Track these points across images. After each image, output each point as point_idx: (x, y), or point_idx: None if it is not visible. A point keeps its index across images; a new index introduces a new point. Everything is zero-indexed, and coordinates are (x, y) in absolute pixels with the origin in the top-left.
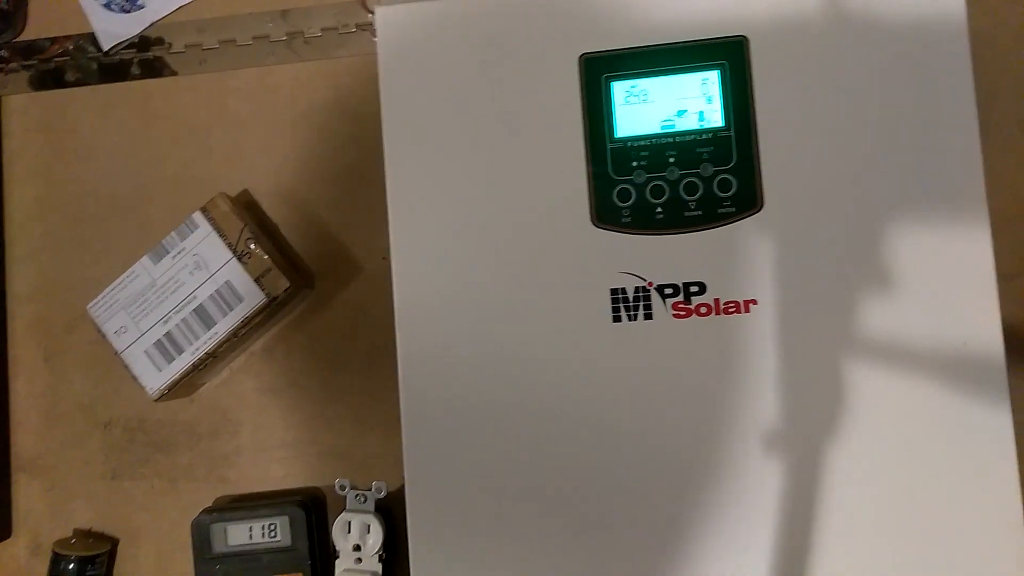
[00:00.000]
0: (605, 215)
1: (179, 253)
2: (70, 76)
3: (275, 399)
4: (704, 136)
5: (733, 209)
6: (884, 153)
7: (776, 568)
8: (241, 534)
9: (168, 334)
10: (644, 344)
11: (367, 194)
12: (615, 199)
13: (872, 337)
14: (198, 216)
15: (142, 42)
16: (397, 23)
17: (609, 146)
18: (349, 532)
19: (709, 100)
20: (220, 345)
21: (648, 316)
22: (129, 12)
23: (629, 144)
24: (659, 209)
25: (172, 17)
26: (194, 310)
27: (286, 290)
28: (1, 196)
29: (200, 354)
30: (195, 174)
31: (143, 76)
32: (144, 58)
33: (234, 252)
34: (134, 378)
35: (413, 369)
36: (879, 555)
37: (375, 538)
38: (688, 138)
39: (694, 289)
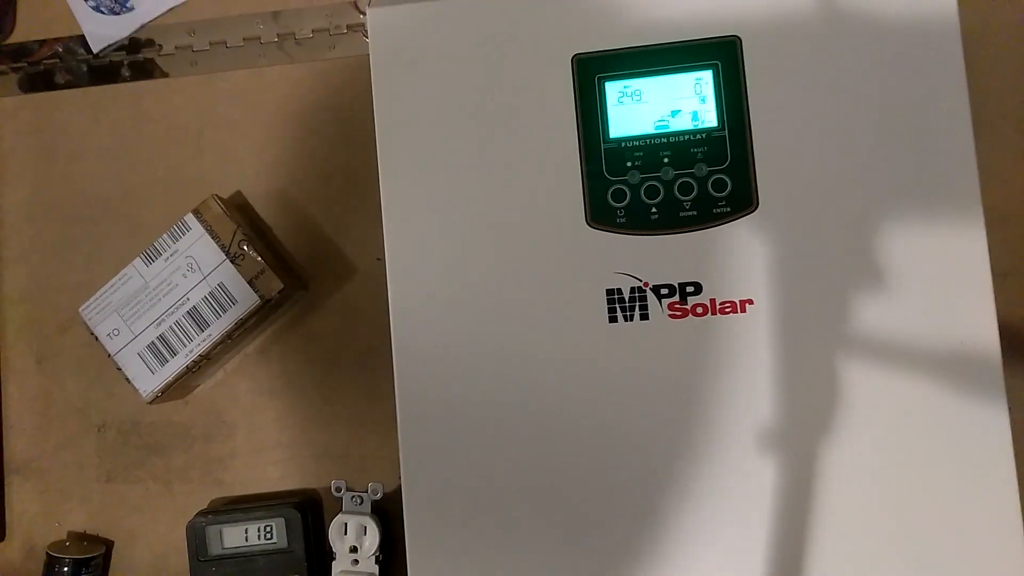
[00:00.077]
0: (600, 215)
1: (172, 255)
2: (60, 78)
3: (270, 401)
4: (698, 136)
5: (728, 209)
6: (878, 152)
7: (774, 568)
8: (237, 536)
9: (161, 336)
10: (640, 344)
11: (360, 195)
12: (610, 199)
13: (869, 336)
14: (190, 218)
15: (132, 44)
16: (389, 24)
17: (603, 146)
18: (346, 534)
19: (703, 100)
20: (214, 347)
21: (644, 316)
22: (119, 14)
23: (623, 144)
24: (654, 209)
25: (162, 19)
26: (187, 312)
27: (280, 292)
28: None
29: (194, 356)
30: (187, 176)
31: (133, 78)
32: (134, 60)
33: (227, 254)
34: (128, 380)
35: (408, 370)
36: (877, 554)
37: (372, 539)
38: (682, 138)
39: (690, 289)
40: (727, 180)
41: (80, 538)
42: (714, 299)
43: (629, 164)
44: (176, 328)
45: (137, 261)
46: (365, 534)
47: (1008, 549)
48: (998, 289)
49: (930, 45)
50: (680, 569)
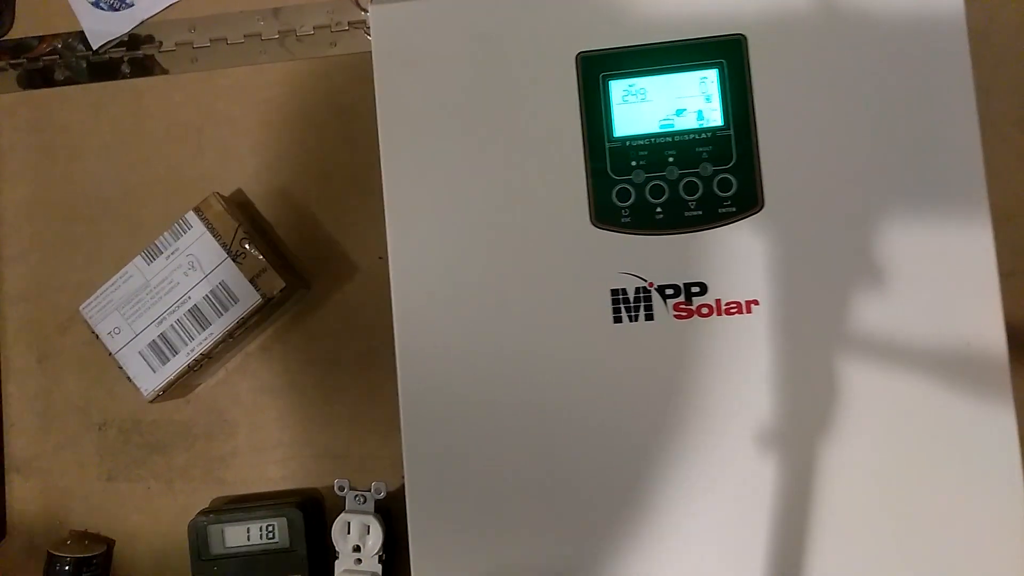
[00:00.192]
0: (604, 215)
1: (173, 253)
2: (59, 75)
3: (272, 399)
4: (703, 135)
5: (733, 209)
6: (884, 152)
7: (782, 570)
8: (239, 536)
9: (163, 335)
10: (645, 345)
11: (362, 193)
12: (614, 199)
13: (875, 337)
14: (191, 216)
15: (132, 40)
16: (392, 21)
17: (608, 145)
18: (349, 533)
19: (708, 99)
20: (215, 346)
21: (649, 317)
22: (119, 10)
23: (628, 143)
24: (659, 209)
25: (162, 15)
26: (189, 311)
27: (281, 290)
28: None
29: (195, 355)
30: (187, 173)
31: (133, 75)
32: (134, 56)
33: (228, 252)
34: (129, 379)
35: (412, 369)
36: (885, 556)
37: (375, 539)
38: (687, 137)
39: (695, 289)
40: (732, 180)
41: (81, 537)
42: (719, 299)
43: (634, 163)
44: (177, 327)
45: (138, 259)
46: (368, 533)
47: (1014, 550)
48: (1003, 289)
49: (936, 43)
50: (686, 569)
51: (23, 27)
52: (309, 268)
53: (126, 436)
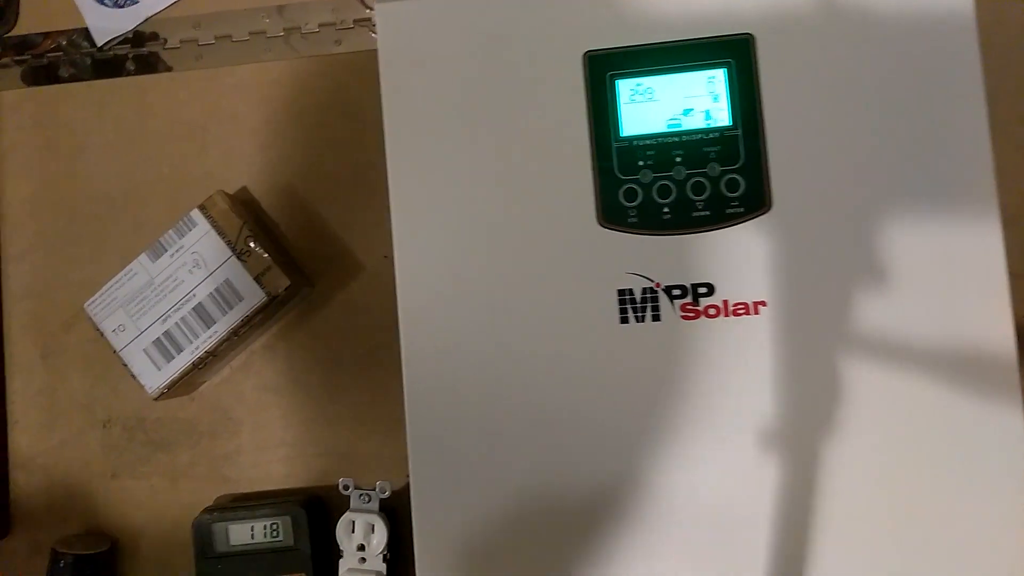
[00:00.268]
0: (611, 215)
1: (178, 251)
2: (64, 72)
3: (276, 398)
4: (711, 135)
5: (741, 209)
6: (893, 152)
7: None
8: (243, 534)
9: (167, 332)
10: (652, 346)
11: (367, 192)
12: (621, 199)
13: (883, 339)
14: (196, 214)
15: (136, 37)
16: (398, 19)
17: (615, 145)
18: (353, 532)
19: (716, 99)
20: (220, 344)
21: (656, 317)
22: (123, 7)
23: (635, 143)
24: (666, 209)
25: (167, 12)
26: (193, 308)
27: (286, 288)
28: None
29: (200, 353)
30: (192, 171)
31: (138, 72)
32: (139, 54)
33: (233, 250)
34: (133, 377)
35: (417, 369)
36: (893, 559)
37: (379, 538)
38: (695, 137)
39: (702, 290)
40: (740, 180)
41: (85, 534)
42: (727, 300)
43: (641, 163)
44: (182, 324)
45: (143, 257)
46: (373, 532)
47: (1022, 552)
48: (1012, 290)
49: (946, 43)
50: (692, 570)
51: (27, 24)
52: (314, 266)
53: (130, 434)
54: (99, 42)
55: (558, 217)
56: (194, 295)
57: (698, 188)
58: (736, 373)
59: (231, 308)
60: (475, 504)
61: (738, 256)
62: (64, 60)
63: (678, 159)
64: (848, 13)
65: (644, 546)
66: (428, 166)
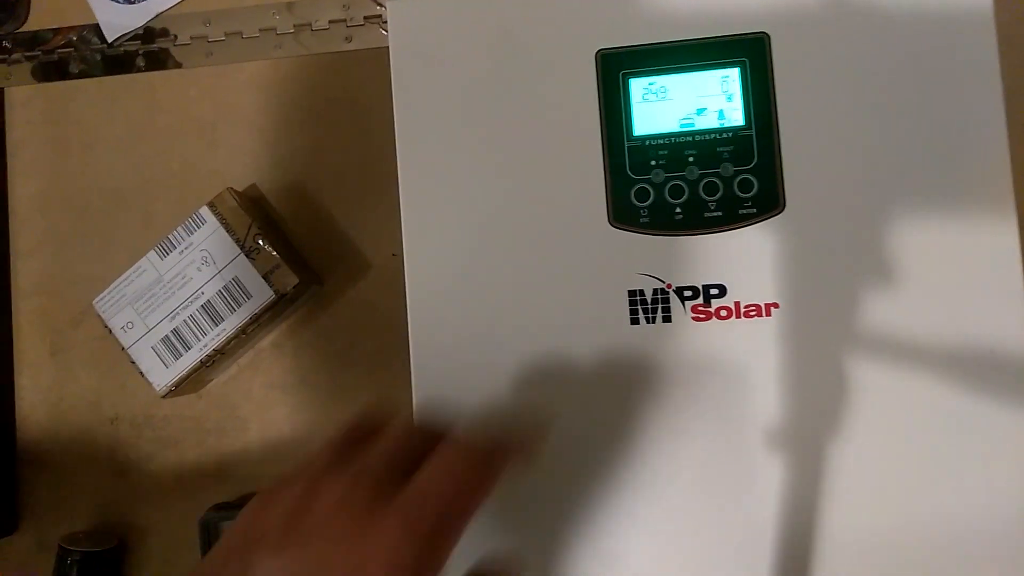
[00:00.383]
0: (622, 215)
1: (186, 248)
2: (74, 68)
3: (283, 396)
4: (724, 135)
5: (754, 210)
6: (909, 154)
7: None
8: None
9: (175, 330)
10: (662, 347)
11: (376, 190)
12: (633, 199)
13: (897, 341)
14: (205, 211)
15: (147, 34)
16: (409, 16)
17: (627, 144)
18: None
19: (729, 98)
20: (228, 341)
21: (667, 319)
22: (134, 3)
23: (647, 142)
24: (678, 209)
25: (177, 8)
26: (202, 306)
27: (295, 286)
28: (4, 189)
29: (208, 350)
30: (201, 168)
31: (148, 68)
32: (149, 50)
33: (242, 248)
34: (141, 374)
35: (426, 368)
36: (907, 563)
37: None
38: (708, 137)
39: (714, 292)
40: (753, 180)
41: (92, 531)
42: (738, 302)
43: (653, 163)
44: (190, 322)
45: (151, 254)
46: None
47: None
48: None
49: (964, 43)
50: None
51: (38, 19)
52: (322, 264)
53: (138, 431)
54: (110, 38)
55: (569, 216)
56: (202, 293)
57: (711, 188)
58: (747, 375)
59: (239, 306)
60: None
61: (750, 257)
62: (74, 56)
63: (691, 159)
64: (864, 12)
65: (652, 547)
66: (438, 164)
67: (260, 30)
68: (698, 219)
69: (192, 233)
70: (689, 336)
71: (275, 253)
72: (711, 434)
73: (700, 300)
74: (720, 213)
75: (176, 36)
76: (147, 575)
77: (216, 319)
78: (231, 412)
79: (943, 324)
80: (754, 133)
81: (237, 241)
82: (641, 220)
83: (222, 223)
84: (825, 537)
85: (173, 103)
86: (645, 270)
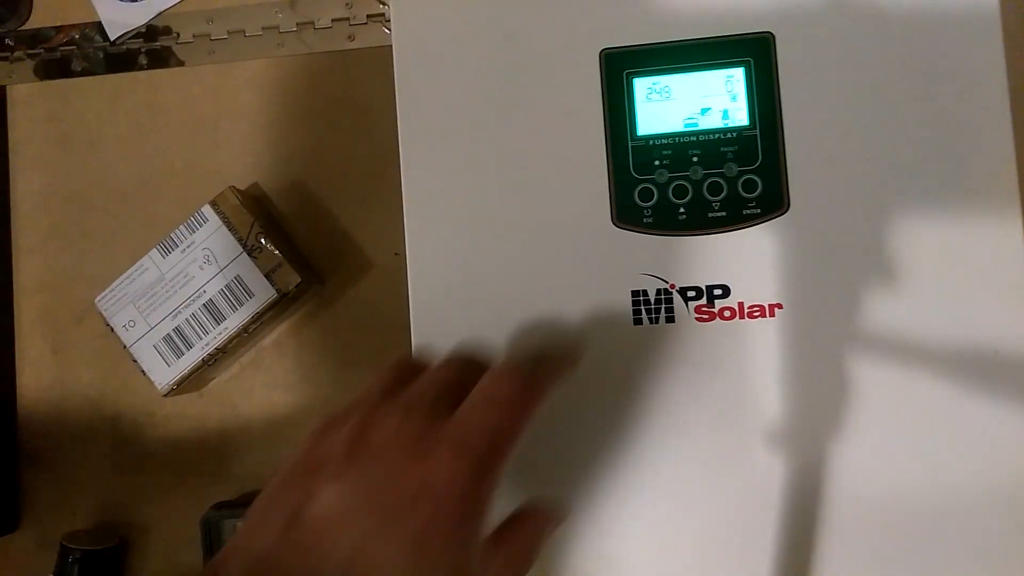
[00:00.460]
0: (626, 215)
1: (188, 247)
2: (76, 65)
3: (285, 395)
4: (729, 135)
5: (758, 210)
6: (914, 154)
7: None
8: None
9: (177, 329)
10: (666, 347)
11: (379, 189)
12: (636, 199)
13: (901, 343)
14: (207, 210)
15: (149, 32)
16: (412, 15)
17: (630, 144)
18: None
19: (734, 98)
20: (230, 340)
21: (670, 319)
22: (136, 1)
23: (651, 142)
24: (682, 209)
25: (180, 7)
26: (204, 305)
27: (297, 285)
28: (6, 187)
29: (210, 349)
30: (203, 167)
31: (150, 66)
32: (151, 48)
33: (244, 247)
34: (143, 373)
35: None
36: (911, 565)
37: None
38: (712, 137)
39: (717, 292)
40: (758, 180)
41: (93, 529)
42: (742, 302)
43: (657, 163)
44: (192, 321)
45: (153, 252)
46: None
47: None
48: None
49: (970, 42)
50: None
51: (41, 17)
52: (324, 263)
53: (139, 429)
54: (112, 36)
55: (572, 216)
56: (204, 291)
57: (715, 188)
58: (751, 376)
59: (241, 305)
60: None
61: (754, 258)
62: (77, 54)
63: (695, 159)
64: (869, 12)
65: (654, 547)
66: (441, 163)
67: (263, 28)
68: (702, 219)
69: (194, 232)
70: (692, 337)
71: (277, 252)
72: (714, 435)
73: (703, 300)
74: (724, 213)
75: (179, 34)
76: (148, 574)
77: (218, 318)
78: (232, 411)
79: (947, 324)
80: (758, 133)
81: (239, 240)
82: (645, 220)
83: (224, 222)
84: (827, 537)
85: (175, 101)
86: (648, 270)
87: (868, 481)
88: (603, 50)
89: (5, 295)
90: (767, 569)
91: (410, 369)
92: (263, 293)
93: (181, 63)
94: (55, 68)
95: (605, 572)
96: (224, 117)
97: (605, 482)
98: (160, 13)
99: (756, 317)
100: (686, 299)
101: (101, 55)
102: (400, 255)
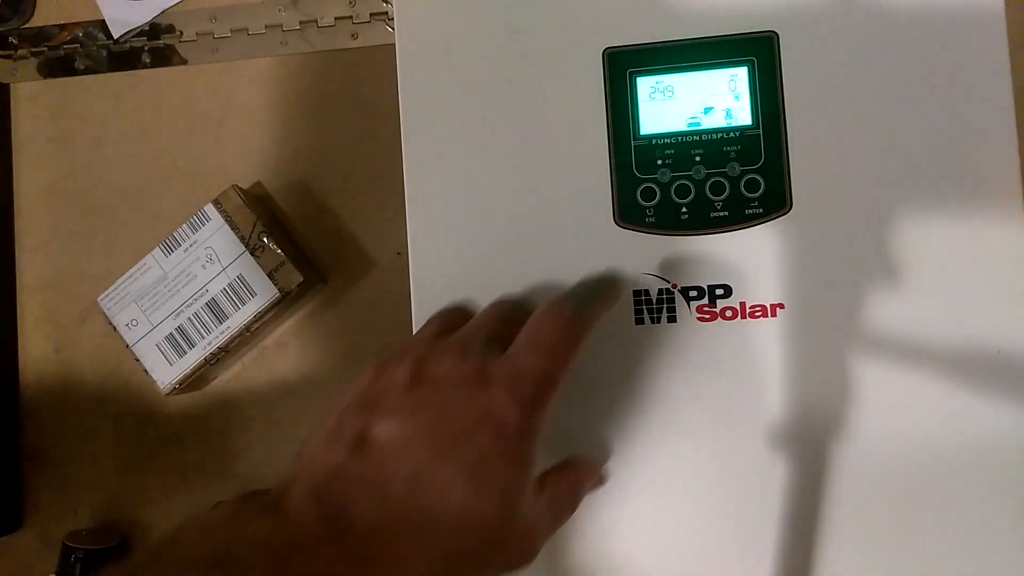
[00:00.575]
0: (628, 214)
1: (191, 246)
2: (80, 64)
3: (288, 394)
4: (731, 134)
5: (761, 210)
6: (918, 154)
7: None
8: None
9: (180, 328)
10: (667, 347)
11: (381, 188)
12: (639, 198)
13: (904, 343)
14: (210, 208)
15: (153, 30)
16: (416, 13)
17: (633, 143)
18: None
19: (737, 97)
20: (232, 339)
21: (672, 319)
22: None
23: (654, 142)
24: (684, 209)
25: (183, 5)
26: (206, 304)
27: (299, 285)
28: (10, 185)
29: (212, 348)
30: (206, 165)
31: (154, 65)
32: (155, 46)
33: (247, 245)
34: (145, 371)
35: None
36: (911, 565)
37: None
38: (715, 136)
39: (719, 292)
40: (760, 180)
41: (96, 529)
42: (744, 302)
43: (659, 162)
44: (195, 320)
45: (156, 251)
46: None
47: None
48: None
49: (974, 44)
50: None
51: (44, 15)
52: (326, 263)
53: (142, 428)
54: (116, 34)
55: (574, 215)
56: (207, 290)
57: (717, 188)
58: (752, 376)
59: (244, 304)
60: None
61: (756, 257)
62: (80, 52)
63: (697, 158)
64: (873, 11)
65: (656, 546)
66: (444, 161)
67: (266, 27)
68: (704, 219)
69: (197, 230)
70: (694, 336)
71: (280, 251)
72: (715, 435)
73: (705, 300)
74: (726, 213)
75: (182, 32)
76: None
77: (220, 317)
78: (235, 410)
79: (950, 324)
80: (761, 133)
81: (242, 239)
82: (647, 220)
83: (227, 221)
84: (828, 537)
85: (178, 100)
86: (650, 270)
87: (869, 481)
88: (606, 49)
89: (8, 294)
90: (768, 568)
91: (459, 315)
92: (265, 292)
93: (184, 61)
94: (58, 66)
95: (607, 571)
96: (227, 116)
97: (605, 480)
98: (163, 11)
99: (758, 317)
100: (688, 299)
101: (104, 53)
102: (402, 254)
